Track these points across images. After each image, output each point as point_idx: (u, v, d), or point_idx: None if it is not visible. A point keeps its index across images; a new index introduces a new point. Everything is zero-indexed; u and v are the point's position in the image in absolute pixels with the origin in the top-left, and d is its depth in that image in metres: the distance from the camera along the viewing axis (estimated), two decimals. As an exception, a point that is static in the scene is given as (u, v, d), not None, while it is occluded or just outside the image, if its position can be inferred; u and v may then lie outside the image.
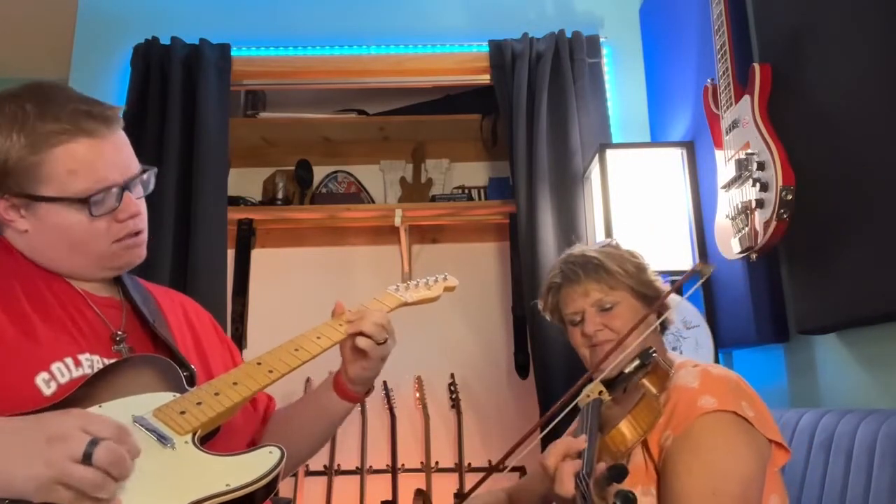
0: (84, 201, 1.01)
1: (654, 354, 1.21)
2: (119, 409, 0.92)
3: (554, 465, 1.00)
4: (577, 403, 1.22)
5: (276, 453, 0.93)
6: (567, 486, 0.96)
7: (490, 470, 1.39)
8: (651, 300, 1.38)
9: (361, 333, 1.16)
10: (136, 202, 1.08)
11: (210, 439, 0.98)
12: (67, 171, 1.01)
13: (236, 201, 2.87)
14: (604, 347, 1.32)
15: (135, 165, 1.09)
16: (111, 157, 1.04)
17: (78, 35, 2.77)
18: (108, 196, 1.04)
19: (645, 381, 1.18)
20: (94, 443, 0.78)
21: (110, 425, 0.82)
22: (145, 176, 1.11)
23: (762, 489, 1.16)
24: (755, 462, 1.15)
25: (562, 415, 1.26)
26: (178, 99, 2.53)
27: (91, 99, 1.06)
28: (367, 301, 1.29)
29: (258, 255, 2.98)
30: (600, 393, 1.19)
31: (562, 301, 1.41)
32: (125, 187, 1.06)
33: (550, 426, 1.28)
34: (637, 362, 1.21)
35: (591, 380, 1.26)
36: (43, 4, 2.99)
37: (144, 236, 1.13)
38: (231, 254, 2.72)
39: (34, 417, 0.83)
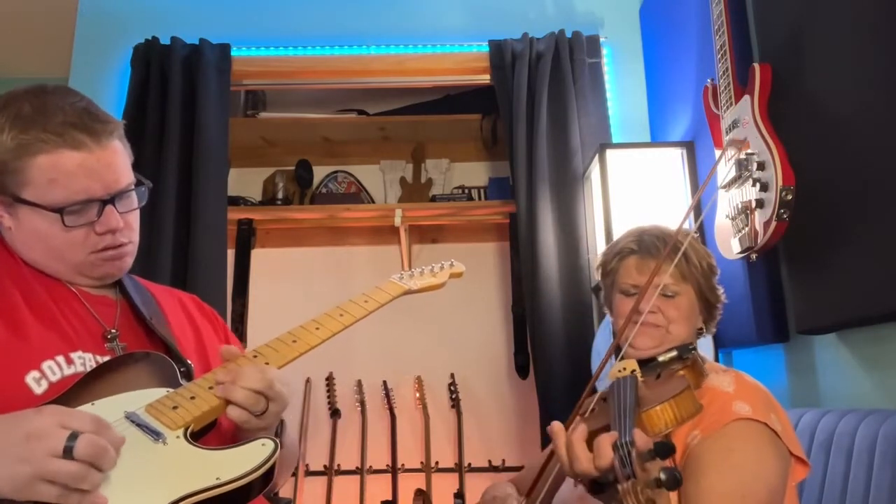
0: (58, 211, 1.01)
1: (693, 351, 1.19)
2: (112, 406, 0.92)
3: (577, 446, 0.97)
4: (608, 376, 1.18)
5: (270, 445, 0.92)
6: (604, 456, 0.91)
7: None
8: (710, 307, 1.34)
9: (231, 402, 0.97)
10: (118, 217, 1.06)
11: (205, 434, 0.98)
12: (48, 180, 1.00)
13: (236, 201, 2.87)
14: (649, 330, 1.27)
15: (125, 179, 1.07)
16: (95, 170, 1.03)
17: (78, 35, 2.78)
18: (86, 208, 1.03)
19: (685, 374, 1.15)
20: (73, 437, 0.79)
21: (88, 419, 0.82)
22: (140, 189, 1.10)
23: (783, 501, 1.15)
24: (781, 473, 1.14)
25: (591, 384, 1.21)
26: (178, 99, 2.53)
27: (88, 110, 1.04)
28: (368, 289, 1.23)
29: (258, 255, 2.99)
30: (633, 372, 1.15)
31: (624, 268, 1.34)
32: (108, 201, 1.04)
33: (594, 396, 1.22)
34: (674, 353, 1.19)
35: (618, 348, 1.24)
36: (43, 4, 2.98)
37: (128, 249, 1.11)
38: (231, 254, 2.72)
39: (9, 417, 0.82)
